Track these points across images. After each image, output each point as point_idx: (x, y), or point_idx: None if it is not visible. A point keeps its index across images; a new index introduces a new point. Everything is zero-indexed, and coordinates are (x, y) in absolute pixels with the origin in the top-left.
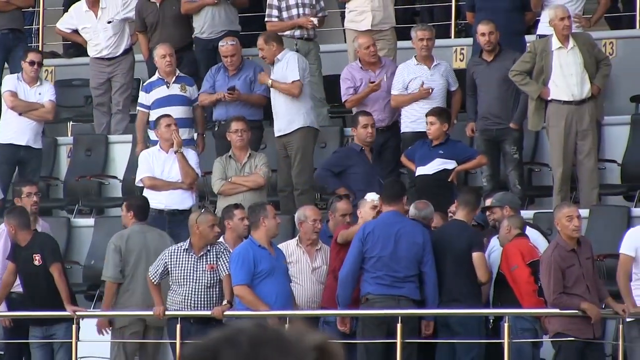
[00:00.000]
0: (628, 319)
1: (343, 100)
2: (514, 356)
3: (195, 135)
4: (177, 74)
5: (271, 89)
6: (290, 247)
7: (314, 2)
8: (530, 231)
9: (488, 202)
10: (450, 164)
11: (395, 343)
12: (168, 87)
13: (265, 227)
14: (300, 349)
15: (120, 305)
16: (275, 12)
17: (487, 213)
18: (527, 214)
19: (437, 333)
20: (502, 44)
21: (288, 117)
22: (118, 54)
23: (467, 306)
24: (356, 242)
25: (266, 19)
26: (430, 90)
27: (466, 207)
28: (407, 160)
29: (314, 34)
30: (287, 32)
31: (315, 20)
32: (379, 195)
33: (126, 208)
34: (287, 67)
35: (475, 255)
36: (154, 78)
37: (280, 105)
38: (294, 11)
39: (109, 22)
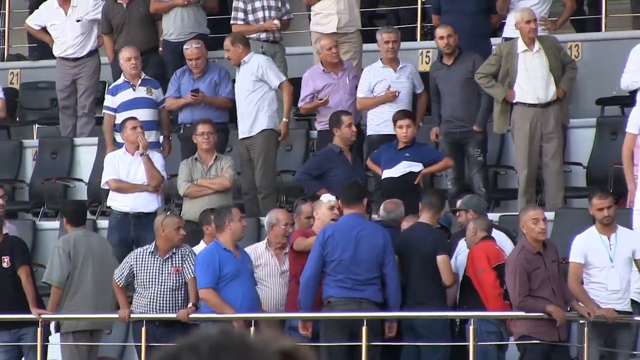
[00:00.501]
0: (582, 321)
1: (298, 105)
2: (479, 359)
3: (161, 137)
4: (142, 77)
5: (236, 93)
6: (258, 250)
7: (279, 5)
8: (497, 234)
9: (459, 204)
10: (417, 167)
11: (357, 346)
12: (134, 90)
13: (230, 230)
14: (263, 356)
15: (66, 309)
16: (241, 15)
17: (457, 214)
18: (493, 216)
19: (403, 336)
20: (468, 46)
21: (251, 119)
22: (83, 54)
23: (433, 309)
24: (316, 246)
25: (232, 22)
26: (397, 94)
27: (431, 210)
28: (373, 164)
29: (280, 36)
30: (253, 35)
31: (278, 24)
32: (334, 197)
33: (61, 214)
34: (263, 72)
35: (440, 258)
36: (120, 81)
37: (244, 108)
38: (260, 14)
39: (78, 21)
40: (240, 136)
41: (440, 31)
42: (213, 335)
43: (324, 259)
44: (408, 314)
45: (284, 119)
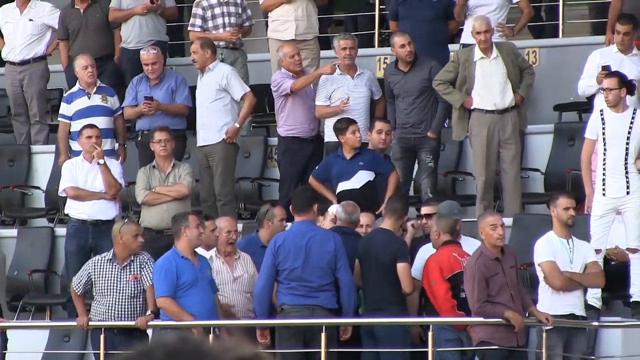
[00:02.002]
0: (547, 327)
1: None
2: None
3: (117, 145)
4: (98, 85)
5: (197, 100)
6: (210, 259)
7: (240, 12)
8: (469, 241)
9: (425, 209)
10: (371, 175)
11: (313, 352)
12: (89, 97)
13: (187, 237)
14: None
15: None
16: (199, 22)
17: (423, 220)
18: None
19: (362, 342)
20: (426, 53)
21: (213, 129)
22: (29, 56)
23: (392, 315)
24: (268, 256)
25: (189, 29)
26: (346, 101)
27: (393, 216)
28: (317, 182)
29: (241, 42)
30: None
31: (237, 35)
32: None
33: None
34: (228, 81)
35: (400, 266)
36: (75, 89)
37: (205, 116)
38: (219, 20)
39: (30, 20)
40: (200, 144)
41: (400, 40)
42: (169, 342)
43: (277, 267)
44: (367, 320)
45: (236, 124)
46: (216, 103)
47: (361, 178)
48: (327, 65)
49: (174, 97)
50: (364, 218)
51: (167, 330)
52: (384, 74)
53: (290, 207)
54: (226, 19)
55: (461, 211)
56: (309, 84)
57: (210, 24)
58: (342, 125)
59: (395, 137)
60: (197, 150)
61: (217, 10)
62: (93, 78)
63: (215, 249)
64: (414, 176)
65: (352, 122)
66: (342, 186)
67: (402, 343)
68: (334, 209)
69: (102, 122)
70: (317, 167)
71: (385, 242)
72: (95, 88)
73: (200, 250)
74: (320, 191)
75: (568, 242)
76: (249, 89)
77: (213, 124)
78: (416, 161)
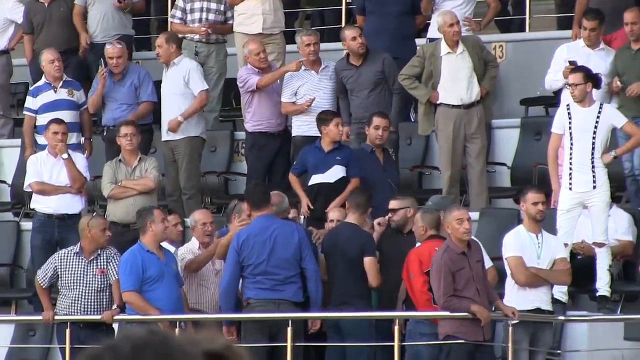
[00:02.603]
0: (513, 322)
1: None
2: (412, 359)
3: (83, 139)
4: (64, 79)
5: (162, 94)
6: (194, 252)
7: (221, 9)
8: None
9: (393, 204)
10: (345, 171)
11: (279, 347)
12: (55, 91)
13: (152, 231)
14: (185, 356)
15: None
16: (179, 14)
17: (390, 215)
18: None
19: (327, 336)
20: (393, 47)
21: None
22: None
23: (358, 309)
24: (232, 253)
25: (170, 19)
26: (311, 100)
27: (357, 210)
28: (295, 178)
29: (218, 37)
30: (188, 35)
31: (208, 30)
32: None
33: None
34: (190, 76)
35: (367, 260)
36: (41, 82)
37: (170, 110)
38: (197, 15)
39: None
40: (165, 138)
41: (350, 33)
42: (136, 336)
43: (241, 264)
44: (333, 314)
45: (179, 117)
46: (181, 98)
47: (336, 172)
48: (293, 63)
49: (138, 93)
50: (335, 213)
51: (133, 324)
52: (335, 70)
53: (246, 205)
54: (204, 14)
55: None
56: (275, 80)
57: (188, 17)
58: (327, 117)
59: (353, 133)
60: (162, 145)
61: (197, 5)
62: (60, 72)
63: (197, 243)
64: None
65: (337, 115)
66: (316, 179)
67: (367, 337)
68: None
69: (68, 116)
70: (294, 163)
71: (352, 236)
72: (62, 82)
73: (166, 245)
74: (296, 189)
75: (537, 236)
76: (206, 87)
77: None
78: None
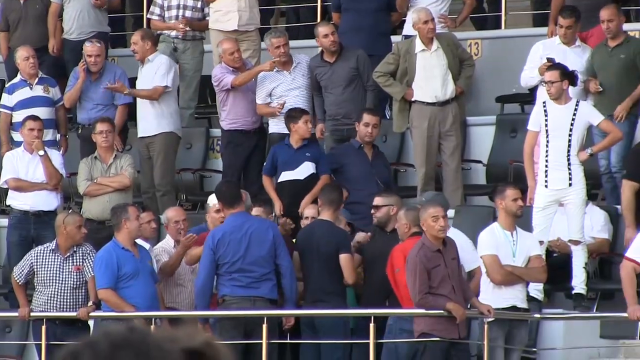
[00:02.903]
0: (488, 319)
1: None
2: (389, 355)
3: (58, 136)
4: (39, 76)
5: (137, 89)
6: (168, 250)
7: (198, 6)
8: (455, 233)
9: (377, 200)
10: (315, 168)
11: (254, 344)
12: (31, 88)
13: (127, 229)
14: (163, 354)
15: None
16: (157, 11)
17: (372, 211)
18: None
19: (302, 333)
20: (369, 45)
21: (153, 120)
22: None
23: (333, 306)
24: (207, 252)
25: (148, 15)
26: (283, 104)
27: (331, 206)
28: (268, 180)
29: (195, 34)
30: (166, 32)
31: (184, 27)
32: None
33: None
34: (157, 71)
35: (343, 257)
36: (17, 79)
37: (146, 108)
38: (174, 12)
39: None
40: (141, 134)
41: (323, 30)
42: (114, 333)
43: (217, 262)
44: (307, 311)
45: (126, 91)
46: None
47: (306, 169)
48: (267, 62)
49: (114, 94)
50: (310, 210)
51: (108, 321)
52: (310, 67)
53: (219, 204)
54: (181, 11)
55: (447, 203)
56: (250, 79)
57: (166, 14)
58: (296, 114)
59: (328, 130)
60: (137, 141)
61: (174, 2)
62: (35, 69)
63: (172, 241)
64: None
65: (305, 112)
66: (286, 176)
67: (342, 334)
68: (215, 199)
69: (43, 112)
70: (265, 164)
71: (326, 233)
72: (37, 79)
73: (140, 241)
74: (269, 191)
75: (512, 234)
76: (164, 84)
77: (153, 116)
78: None
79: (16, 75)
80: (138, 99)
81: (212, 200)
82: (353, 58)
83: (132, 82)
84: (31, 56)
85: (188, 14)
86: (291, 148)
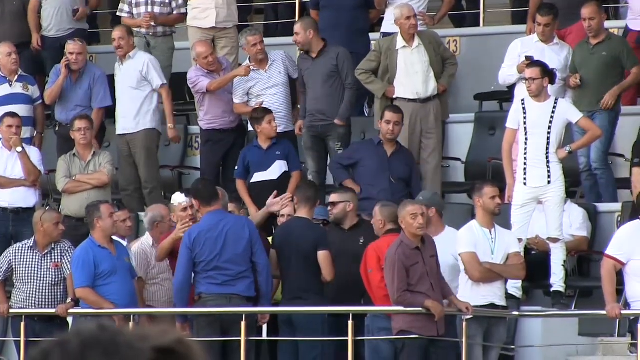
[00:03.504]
0: (466, 317)
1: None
2: (372, 355)
3: (35, 133)
4: (19, 73)
5: (117, 88)
6: (147, 250)
7: (167, 0)
8: (450, 231)
9: (333, 197)
10: (287, 166)
11: (231, 341)
12: (10, 85)
13: (100, 227)
14: (133, 353)
15: None
16: (126, 8)
17: (329, 208)
18: None
19: (280, 331)
20: (347, 42)
21: (133, 118)
22: None
23: (311, 304)
24: (184, 250)
25: (118, 13)
26: (261, 103)
27: (307, 204)
28: (242, 184)
29: (165, 30)
30: (135, 29)
31: (150, 22)
32: (183, 196)
33: None
34: (146, 71)
35: (321, 254)
36: None
37: (126, 104)
38: (142, 9)
39: None
40: (121, 132)
41: (295, 27)
42: (85, 332)
43: (194, 260)
44: (285, 309)
45: (169, 125)
46: (138, 92)
47: (278, 168)
48: (242, 67)
49: (91, 94)
50: (286, 209)
51: (87, 318)
52: (297, 62)
53: (196, 202)
54: (149, 7)
55: (442, 203)
56: (225, 85)
57: (134, 10)
58: (258, 115)
59: (305, 126)
60: (117, 139)
61: None
62: (16, 65)
63: (151, 238)
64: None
65: (268, 112)
66: (258, 177)
67: (320, 332)
68: (180, 198)
69: (22, 110)
70: (236, 168)
71: (304, 231)
72: (17, 76)
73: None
74: (242, 195)
75: (491, 231)
76: (165, 81)
77: (133, 113)
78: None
79: None
80: (118, 96)
81: (177, 199)
82: (334, 55)
83: (110, 79)
84: (13, 52)
85: (157, 9)
86: (261, 149)
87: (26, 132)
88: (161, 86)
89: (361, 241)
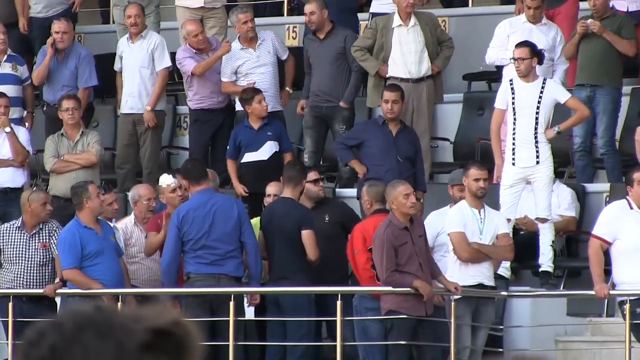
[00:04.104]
0: (455, 297)
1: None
2: (360, 335)
3: (25, 113)
4: (8, 52)
5: (125, 66)
6: (128, 228)
7: None
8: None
9: (269, 189)
10: (278, 146)
11: (220, 321)
12: None
13: (89, 207)
14: (125, 333)
15: None
16: None
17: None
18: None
19: (267, 311)
20: (336, 21)
21: (143, 96)
22: None
23: (297, 284)
24: (172, 229)
25: None
26: (253, 85)
27: (290, 183)
28: (232, 164)
29: None
30: None
31: None
32: (175, 178)
33: None
34: (155, 51)
35: (305, 233)
36: None
37: (134, 84)
38: None
39: None
40: (128, 111)
41: (306, 8)
42: (80, 313)
43: (182, 239)
44: (272, 289)
45: (148, 108)
46: (147, 71)
47: (269, 149)
48: (223, 46)
49: (77, 74)
50: (272, 188)
51: (75, 298)
52: (303, 43)
53: (185, 181)
54: None
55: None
56: (211, 67)
57: None
58: (248, 96)
59: (308, 106)
60: (121, 117)
61: None
62: (5, 45)
63: (133, 216)
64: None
65: (258, 91)
66: (249, 157)
67: (307, 312)
68: (169, 179)
69: (11, 90)
70: (228, 147)
71: (288, 210)
72: (6, 56)
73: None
74: (231, 175)
75: (480, 212)
76: (169, 64)
77: (144, 93)
78: (328, 131)
79: None
80: (126, 75)
81: (165, 180)
82: (342, 37)
83: (99, 59)
84: (2, 32)
85: None
86: (252, 129)
87: (15, 112)
88: (164, 69)
89: (327, 219)
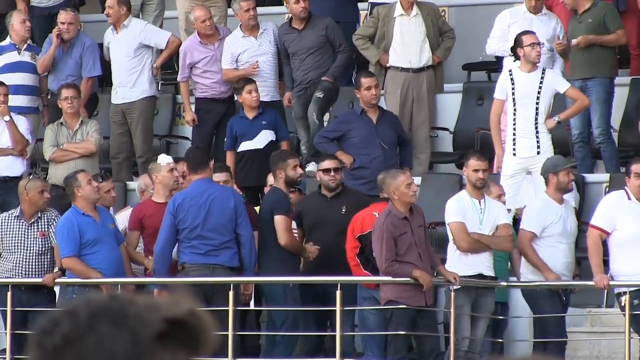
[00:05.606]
0: (455, 287)
1: (178, 79)
2: (359, 325)
3: (42, 105)
4: (28, 42)
5: (112, 57)
6: (127, 219)
7: None
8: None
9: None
10: (274, 135)
11: (214, 311)
12: (19, 53)
13: (81, 195)
14: (140, 322)
15: None
16: None
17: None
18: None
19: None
20: (336, 11)
21: (131, 85)
22: None
23: (271, 272)
24: (168, 216)
25: None
26: (256, 65)
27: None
28: (231, 155)
29: None
30: None
31: None
32: (170, 158)
33: None
34: (147, 36)
35: (277, 218)
36: (6, 42)
37: (123, 73)
38: None
39: None
40: (117, 101)
41: None
42: (95, 301)
43: (177, 227)
44: (263, 278)
45: (156, 64)
46: (135, 60)
47: (264, 137)
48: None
49: (82, 63)
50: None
51: (73, 287)
52: (278, 35)
53: (186, 167)
54: None
55: (567, 161)
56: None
57: None
58: (239, 85)
59: (294, 97)
60: (112, 107)
61: None
62: (29, 33)
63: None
64: None
65: (249, 81)
66: (245, 146)
67: (286, 300)
68: (168, 158)
69: (28, 79)
70: (225, 140)
71: (267, 196)
72: (26, 44)
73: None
74: (232, 169)
75: (480, 202)
76: (170, 34)
77: (131, 82)
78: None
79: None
80: (114, 65)
81: (164, 159)
82: (322, 25)
83: (101, 48)
84: (27, 20)
85: None
86: (246, 119)
87: (29, 101)
88: (169, 38)
89: (343, 210)
